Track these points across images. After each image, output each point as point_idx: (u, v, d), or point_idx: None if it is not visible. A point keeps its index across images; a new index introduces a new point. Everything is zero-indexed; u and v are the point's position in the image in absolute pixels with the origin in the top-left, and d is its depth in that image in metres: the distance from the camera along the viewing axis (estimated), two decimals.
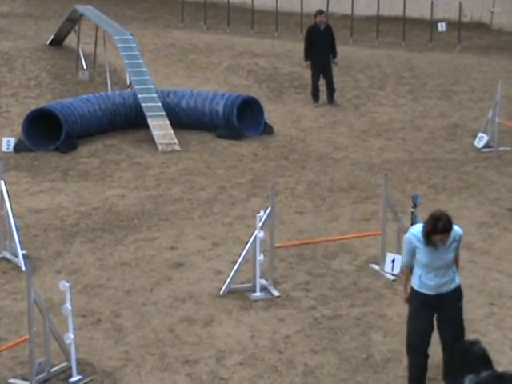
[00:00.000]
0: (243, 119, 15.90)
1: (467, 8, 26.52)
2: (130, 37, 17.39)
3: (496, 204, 12.08)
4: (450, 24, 24.08)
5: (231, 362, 7.86)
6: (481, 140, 15.03)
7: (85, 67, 20.18)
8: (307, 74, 18.65)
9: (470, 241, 10.65)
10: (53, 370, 7.60)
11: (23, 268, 9.78)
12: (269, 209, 9.16)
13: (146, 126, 15.57)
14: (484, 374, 5.86)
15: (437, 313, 7.12)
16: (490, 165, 14.04)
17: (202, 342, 8.21)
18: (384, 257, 9.68)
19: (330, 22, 19.43)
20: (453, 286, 7.07)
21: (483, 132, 15.08)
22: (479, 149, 14.91)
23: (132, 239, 10.87)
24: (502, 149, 14.82)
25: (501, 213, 11.71)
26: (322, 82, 18.26)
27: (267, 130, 16.22)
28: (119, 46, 17.17)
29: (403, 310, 8.81)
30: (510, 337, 8.21)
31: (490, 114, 14.96)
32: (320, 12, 18.53)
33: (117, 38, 17.37)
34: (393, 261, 9.59)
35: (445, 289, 7.02)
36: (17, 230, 10.04)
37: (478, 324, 8.47)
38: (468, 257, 10.15)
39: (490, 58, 22.71)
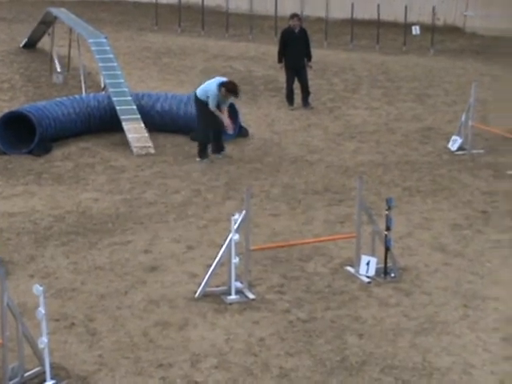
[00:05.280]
0: None
1: (441, 12, 26.72)
2: (104, 40, 17.32)
3: (469, 206, 12.15)
4: (424, 27, 24.25)
5: (206, 365, 7.84)
6: (454, 143, 15.11)
7: (59, 70, 20.07)
8: (282, 76, 18.68)
9: (443, 243, 10.71)
10: (26, 374, 7.53)
11: None
12: (244, 212, 9.16)
13: (121, 129, 15.52)
14: None
15: None
16: (463, 167, 14.12)
17: (177, 346, 8.19)
18: (359, 259, 9.71)
19: (304, 25, 19.46)
20: None
21: (457, 135, 15.16)
22: (453, 151, 15.00)
23: (106, 243, 10.82)
24: (475, 151, 14.91)
25: (474, 215, 11.78)
26: (296, 85, 18.30)
27: (242, 132, 16.22)
28: (93, 48, 17.10)
29: (378, 312, 8.85)
30: (484, 338, 8.25)
31: (463, 117, 15.04)
32: (294, 15, 18.58)
33: (91, 41, 17.30)
34: (367, 263, 9.61)
35: None
36: None
37: (452, 326, 8.51)
38: (442, 259, 10.21)
39: (464, 61, 22.87)
